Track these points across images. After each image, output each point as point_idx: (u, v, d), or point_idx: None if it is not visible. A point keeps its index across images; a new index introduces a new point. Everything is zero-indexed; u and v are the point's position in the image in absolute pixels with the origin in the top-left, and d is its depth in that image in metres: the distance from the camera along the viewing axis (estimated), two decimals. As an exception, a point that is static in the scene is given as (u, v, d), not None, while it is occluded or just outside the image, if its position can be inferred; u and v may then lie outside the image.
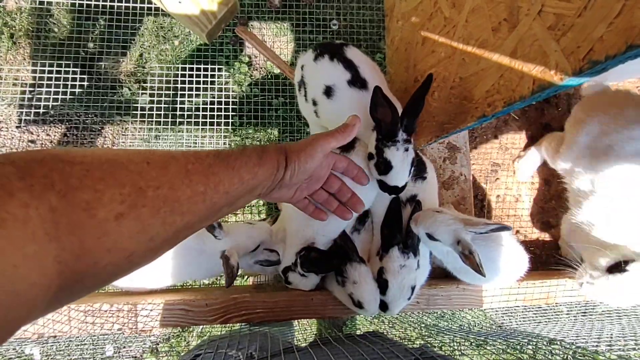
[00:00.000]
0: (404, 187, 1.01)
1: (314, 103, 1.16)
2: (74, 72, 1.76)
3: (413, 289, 1.03)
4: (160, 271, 1.12)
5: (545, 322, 1.46)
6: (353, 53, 1.13)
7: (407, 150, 0.96)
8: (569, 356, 0.97)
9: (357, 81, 1.08)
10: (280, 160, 0.68)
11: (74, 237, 0.38)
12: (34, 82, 1.77)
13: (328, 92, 1.10)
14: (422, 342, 1.11)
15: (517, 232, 1.46)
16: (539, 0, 0.65)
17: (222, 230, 1.04)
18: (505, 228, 0.90)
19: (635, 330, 1.25)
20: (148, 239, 0.46)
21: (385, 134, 0.96)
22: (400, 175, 0.97)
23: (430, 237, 0.98)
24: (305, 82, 1.20)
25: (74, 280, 0.40)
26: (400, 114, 0.95)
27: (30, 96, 1.76)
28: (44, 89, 1.73)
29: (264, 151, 0.66)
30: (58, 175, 0.39)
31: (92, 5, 1.81)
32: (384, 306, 1.02)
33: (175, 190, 0.49)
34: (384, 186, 1.00)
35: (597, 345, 1.11)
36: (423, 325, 1.41)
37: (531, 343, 1.08)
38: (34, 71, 1.77)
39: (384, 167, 0.97)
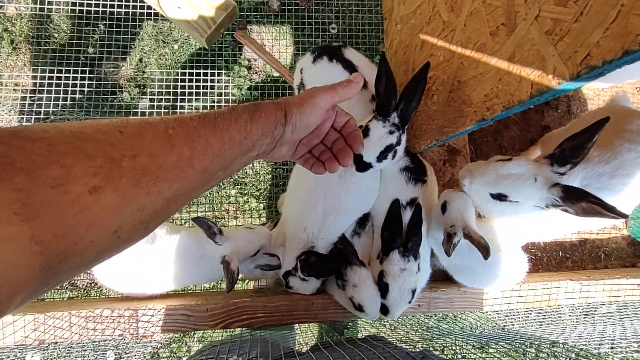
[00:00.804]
0: (366, 165, 0.99)
1: None
2: (74, 78, 1.76)
3: (414, 292, 1.03)
4: (161, 276, 1.12)
5: (548, 324, 1.46)
6: (352, 54, 1.14)
7: (391, 133, 0.96)
8: (572, 358, 0.97)
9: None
10: (278, 116, 0.63)
11: (48, 216, 0.36)
12: (34, 87, 1.78)
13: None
14: (424, 345, 1.10)
15: (518, 233, 1.45)
16: (537, 5, 0.66)
17: (222, 236, 1.04)
18: (485, 252, 0.88)
19: (637, 332, 1.25)
20: (134, 211, 0.43)
21: (379, 108, 0.96)
22: (370, 148, 0.96)
23: (443, 207, 0.98)
24: (304, 84, 1.20)
25: (58, 261, 0.38)
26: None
27: (30, 102, 1.76)
28: (45, 95, 1.74)
29: (257, 108, 0.61)
30: (17, 153, 0.37)
31: (92, 11, 1.82)
32: (384, 309, 1.02)
33: (156, 157, 0.45)
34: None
35: (599, 347, 1.11)
36: (425, 327, 1.41)
37: (533, 345, 1.07)
38: (34, 77, 1.78)
39: (363, 132, 0.96)
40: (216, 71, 1.86)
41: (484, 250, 0.87)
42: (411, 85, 0.94)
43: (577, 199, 0.79)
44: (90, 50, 1.84)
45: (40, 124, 0.43)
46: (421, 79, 0.93)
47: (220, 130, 0.54)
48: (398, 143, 0.99)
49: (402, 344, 1.19)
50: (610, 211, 0.74)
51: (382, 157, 0.99)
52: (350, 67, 1.10)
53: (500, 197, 0.91)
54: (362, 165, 1.00)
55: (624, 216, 0.74)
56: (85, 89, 1.78)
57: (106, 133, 0.44)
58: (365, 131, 0.96)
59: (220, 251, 1.05)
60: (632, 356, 1.07)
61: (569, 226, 1.08)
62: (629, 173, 0.94)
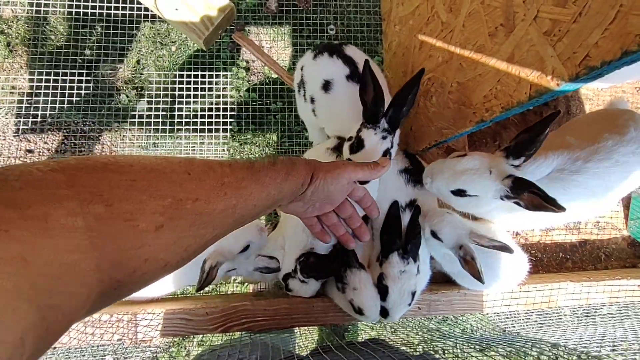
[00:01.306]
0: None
1: (312, 100, 1.16)
2: (71, 80, 1.76)
3: (413, 294, 1.02)
4: (162, 280, 1.11)
5: (549, 325, 1.45)
6: (352, 50, 1.14)
7: (384, 138, 0.95)
8: (573, 361, 0.96)
9: (355, 76, 1.08)
10: (307, 176, 0.69)
11: (115, 247, 0.39)
12: (31, 90, 1.77)
13: (326, 86, 1.11)
14: (425, 349, 1.10)
15: (517, 234, 1.45)
16: (535, 5, 0.65)
17: None
18: (507, 249, 0.90)
19: (638, 333, 1.24)
20: (182, 250, 0.47)
21: (368, 116, 0.95)
22: (368, 158, 0.95)
23: (434, 235, 0.98)
24: (304, 81, 1.20)
25: (112, 288, 0.40)
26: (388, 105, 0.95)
27: (27, 105, 1.76)
28: (42, 98, 1.73)
29: (293, 166, 0.66)
30: (106, 185, 0.40)
31: (89, 13, 1.81)
32: (384, 312, 1.01)
33: (211, 203, 0.49)
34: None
35: (600, 349, 1.11)
36: (425, 329, 1.40)
37: (535, 347, 1.07)
38: (31, 80, 1.77)
39: (356, 144, 0.96)
40: (214, 73, 1.86)
41: (503, 249, 0.90)
42: (403, 92, 0.93)
43: (522, 189, 0.80)
44: (87, 52, 1.84)
45: (127, 157, 0.46)
46: (413, 85, 0.93)
47: (262, 185, 0.59)
48: (392, 146, 0.99)
49: (403, 347, 1.19)
50: (549, 203, 0.75)
51: None
52: (350, 62, 1.10)
53: (460, 192, 0.92)
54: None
55: (562, 209, 0.74)
56: (83, 92, 1.78)
57: (177, 173, 0.47)
58: (360, 142, 0.96)
59: (210, 249, 1.03)
60: (635, 358, 1.07)
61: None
62: (605, 158, 0.94)
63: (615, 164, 0.93)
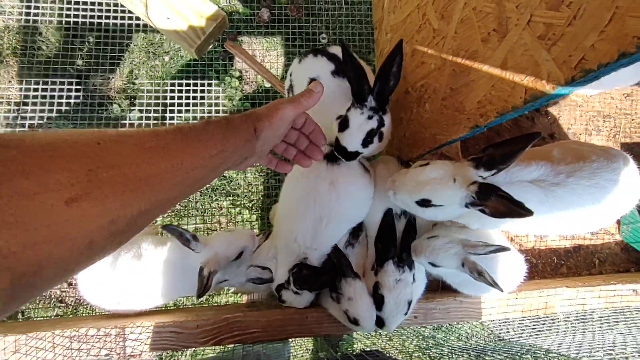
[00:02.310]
0: (353, 154, 0.99)
1: None
2: (61, 90, 1.73)
3: (410, 303, 1.00)
4: (149, 290, 1.08)
5: (541, 329, 1.44)
6: (336, 49, 1.14)
7: (370, 118, 0.95)
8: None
9: (341, 71, 1.08)
10: (249, 132, 0.65)
11: (19, 227, 0.35)
12: (21, 100, 1.74)
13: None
14: (423, 359, 1.08)
15: (512, 240, 1.45)
16: (528, 10, 0.65)
17: (198, 243, 1.01)
18: (503, 249, 0.89)
19: (631, 338, 1.24)
20: (108, 222, 0.42)
21: (355, 95, 0.95)
22: (352, 138, 0.96)
23: (433, 265, 0.96)
24: (293, 86, 1.21)
25: (30, 274, 0.36)
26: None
27: (15, 115, 1.73)
28: (30, 107, 1.71)
29: (228, 124, 0.63)
30: None
31: (80, 23, 1.79)
32: (380, 322, 1.00)
33: (133, 169, 0.45)
34: (337, 145, 0.99)
35: (593, 354, 1.10)
36: (420, 337, 1.38)
37: (529, 353, 1.06)
38: (21, 89, 1.74)
39: (342, 123, 0.96)
40: (207, 82, 1.85)
41: (500, 250, 0.89)
42: (386, 66, 0.93)
43: (489, 194, 0.79)
44: (79, 62, 1.82)
45: (17, 133, 0.43)
46: (395, 56, 0.92)
47: (194, 149, 0.55)
48: (381, 125, 0.97)
49: (399, 355, 1.17)
50: (516, 206, 0.74)
51: (366, 142, 0.98)
52: (334, 59, 1.10)
53: (424, 203, 0.89)
54: (349, 155, 0.99)
55: (530, 213, 0.73)
56: (72, 101, 1.75)
57: (84, 144, 0.43)
58: (345, 121, 0.96)
59: (199, 258, 1.01)
60: (626, 361, 1.07)
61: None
62: (587, 177, 0.94)
63: (594, 186, 0.93)
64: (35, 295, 0.40)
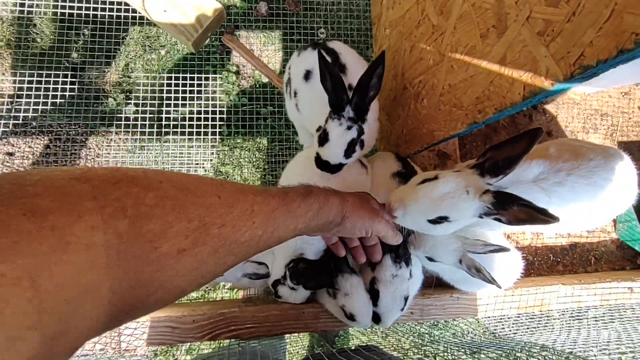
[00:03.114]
0: (336, 167, 0.98)
1: (295, 94, 1.16)
2: (56, 82, 1.72)
3: (406, 299, 1.00)
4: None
5: (536, 327, 1.45)
6: (336, 44, 1.13)
7: (349, 128, 0.94)
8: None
9: (335, 65, 1.07)
10: (337, 215, 0.67)
11: (131, 268, 0.36)
12: (15, 92, 1.73)
13: (307, 75, 1.11)
14: (418, 355, 1.08)
15: (509, 237, 1.45)
16: (527, 6, 0.65)
17: None
18: (503, 250, 0.89)
19: (623, 335, 1.25)
20: (200, 276, 0.44)
21: (333, 106, 0.94)
22: (333, 150, 0.95)
23: (431, 260, 0.96)
24: (290, 79, 1.20)
25: (124, 312, 0.37)
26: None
27: (9, 107, 1.71)
28: (24, 100, 1.69)
29: (327, 201, 0.64)
30: (132, 200, 0.36)
31: (75, 15, 1.77)
32: (376, 318, 0.99)
33: (237, 231, 0.47)
34: (318, 160, 0.98)
35: (586, 350, 1.11)
36: (416, 334, 1.39)
37: (524, 350, 1.07)
38: (15, 82, 1.73)
39: (322, 137, 0.95)
40: (204, 76, 1.83)
41: (500, 250, 0.89)
42: (366, 77, 0.91)
43: (509, 204, 0.75)
44: (74, 55, 1.80)
45: (156, 171, 0.43)
46: (376, 67, 0.90)
47: (292, 217, 0.57)
48: (361, 133, 0.96)
49: (395, 352, 1.17)
50: (542, 214, 0.70)
51: (349, 152, 0.97)
52: (332, 53, 1.09)
53: (439, 220, 0.84)
54: (332, 169, 0.98)
55: (556, 219, 0.70)
56: (67, 94, 1.73)
57: (208, 195, 0.45)
58: (325, 135, 0.95)
59: None
60: (620, 358, 1.07)
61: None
62: (585, 175, 0.93)
63: (592, 184, 0.92)
64: (114, 328, 0.42)
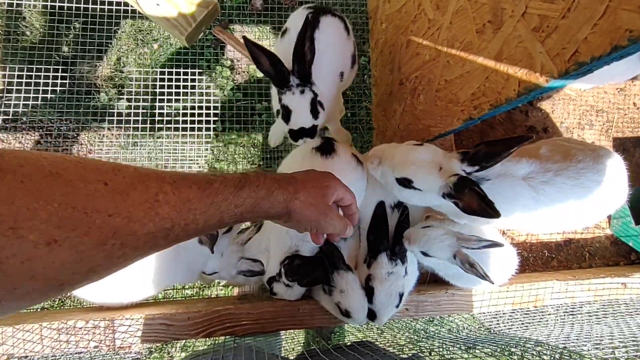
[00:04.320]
0: (313, 129, 1.01)
1: None
2: (46, 77, 1.69)
3: (401, 296, 1.00)
4: (139, 283, 1.07)
5: (531, 322, 1.46)
6: (329, 22, 1.13)
7: (302, 92, 0.97)
8: (556, 358, 0.97)
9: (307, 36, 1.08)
10: (280, 213, 0.63)
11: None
12: (4, 87, 1.70)
13: (283, 32, 1.15)
14: (414, 351, 1.08)
15: (504, 233, 1.46)
16: (523, 1, 0.64)
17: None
18: (497, 245, 0.89)
19: (618, 331, 1.26)
20: (86, 270, 0.40)
21: (278, 83, 0.97)
22: (301, 115, 0.98)
23: (425, 254, 0.96)
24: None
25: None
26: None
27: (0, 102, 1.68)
28: (14, 95, 1.66)
29: (268, 195, 0.59)
30: None
31: (66, 8, 1.74)
32: (372, 315, 1.00)
33: (133, 221, 0.42)
34: (293, 134, 1.01)
35: (581, 345, 1.11)
36: (412, 330, 1.39)
37: (519, 345, 1.07)
38: (4, 76, 1.70)
39: (286, 113, 0.98)
40: (197, 71, 1.81)
41: (493, 246, 0.89)
42: (299, 44, 0.94)
43: (465, 187, 0.77)
44: (65, 49, 1.77)
45: (21, 151, 0.39)
46: (305, 33, 0.92)
47: (213, 210, 0.51)
48: (316, 94, 1.00)
49: (390, 348, 1.17)
50: (486, 203, 0.73)
51: (315, 113, 1.00)
52: (312, 27, 1.09)
53: (405, 182, 0.88)
54: (309, 133, 1.02)
55: (497, 214, 0.72)
56: (58, 89, 1.71)
57: (88, 182, 0.40)
58: (286, 110, 0.98)
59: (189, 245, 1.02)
60: (613, 352, 1.08)
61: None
62: (573, 176, 0.94)
63: (579, 185, 0.94)
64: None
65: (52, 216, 0.36)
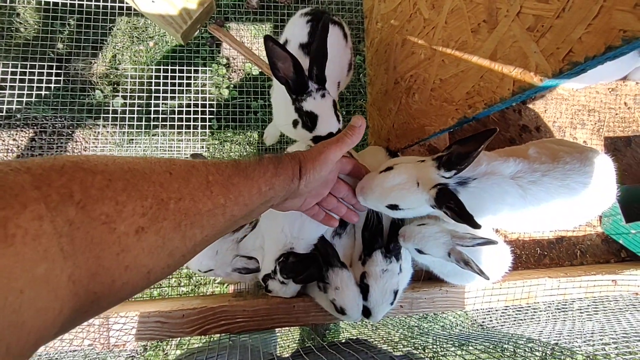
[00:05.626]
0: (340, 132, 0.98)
1: None
2: (41, 74, 1.67)
3: (396, 293, 1.01)
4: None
5: (523, 319, 1.48)
6: (331, 31, 1.11)
7: (323, 96, 0.94)
8: (547, 353, 0.98)
9: (307, 48, 1.06)
10: (295, 170, 0.67)
11: (90, 254, 0.35)
12: (-3, 84, 1.68)
13: (284, 44, 1.10)
14: (408, 347, 1.09)
15: (497, 231, 1.47)
16: (518, 1, 0.65)
17: None
18: (491, 242, 0.90)
19: (607, 326, 1.28)
20: (167, 254, 0.44)
21: (296, 89, 0.92)
22: (328, 120, 0.94)
23: (420, 252, 0.97)
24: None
25: (90, 301, 0.36)
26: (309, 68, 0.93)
27: (-7, 99, 1.67)
28: (7, 92, 1.65)
29: (280, 161, 0.65)
30: (78, 185, 0.36)
31: (60, 4, 1.73)
32: (367, 312, 1.00)
33: (197, 202, 0.47)
34: (319, 139, 0.95)
35: (571, 341, 1.13)
36: (406, 327, 1.40)
37: (511, 341, 1.09)
38: (-2, 72, 1.68)
39: (310, 120, 0.93)
40: (193, 69, 1.81)
41: (487, 243, 0.90)
42: (317, 50, 0.91)
43: (445, 200, 0.78)
44: (60, 46, 1.76)
45: (100, 156, 0.43)
46: (325, 37, 0.90)
47: (251, 181, 0.57)
48: (331, 96, 0.98)
49: (384, 344, 1.18)
50: (463, 219, 0.74)
51: (337, 116, 0.97)
52: (312, 36, 1.08)
53: (394, 207, 0.90)
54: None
55: (477, 227, 0.74)
56: (52, 86, 1.69)
57: (158, 173, 0.44)
58: (311, 116, 0.93)
59: None
60: (603, 348, 1.10)
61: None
62: (560, 177, 0.95)
63: (565, 186, 0.94)
64: (85, 321, 0.41)
65: (136, 206, 0.39)
